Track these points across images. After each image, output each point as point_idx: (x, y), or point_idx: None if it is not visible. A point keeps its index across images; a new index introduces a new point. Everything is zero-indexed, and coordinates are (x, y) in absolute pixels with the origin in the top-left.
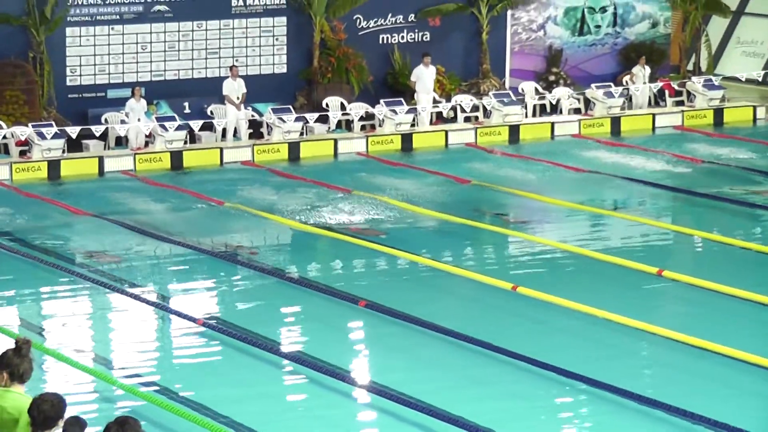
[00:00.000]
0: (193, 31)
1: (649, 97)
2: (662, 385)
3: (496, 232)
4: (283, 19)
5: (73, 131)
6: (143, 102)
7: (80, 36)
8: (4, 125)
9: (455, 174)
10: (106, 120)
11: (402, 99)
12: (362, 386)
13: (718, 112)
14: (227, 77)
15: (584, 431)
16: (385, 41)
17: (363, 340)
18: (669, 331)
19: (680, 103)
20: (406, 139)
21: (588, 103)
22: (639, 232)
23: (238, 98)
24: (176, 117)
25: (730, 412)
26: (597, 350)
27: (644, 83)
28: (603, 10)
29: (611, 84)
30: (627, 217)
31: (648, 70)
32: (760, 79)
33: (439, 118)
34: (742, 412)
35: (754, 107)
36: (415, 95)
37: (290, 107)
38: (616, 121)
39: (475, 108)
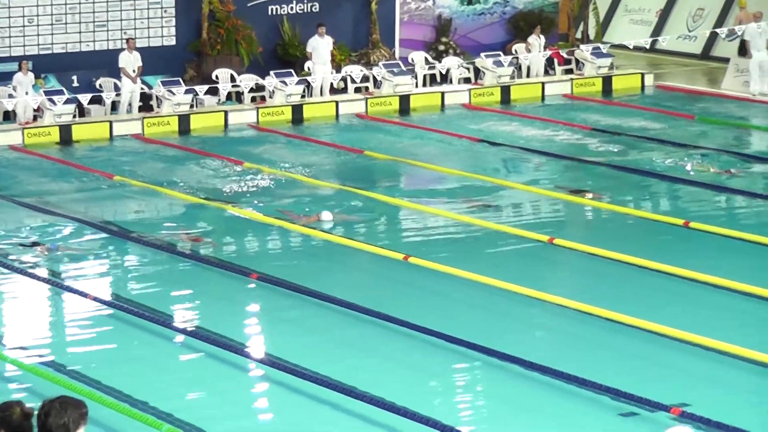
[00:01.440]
0: (80, 3)
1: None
2: (557, 352)
3: (389, 203)
4: None
5: None
6: (31, 76)
7: None
8: None
9: (347, 144)
10: None
11: (292, 70)
12: (257, 359)
13: (607, 80)
14: (119, 50)
15: (479, 399)
16: (274, 12)
17: (256, 313)
18: (562, 299)
19: (569, 72)
20: (297, 110)
21: (478, 72)
22: (530, 201)
23: (134, 71)
24: (65, 91)
25: (622, 379)
26: (491, 319)
27: (540, 52)
28: None
29: (501, 53)
30: (518, 186)
31: (543, 39)
32: (647, 47)
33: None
34: (630, 377)
35: (642, 75)
36: (311, 66)
37: (180, 80)
38: (506, 90)
39: (365, 78)
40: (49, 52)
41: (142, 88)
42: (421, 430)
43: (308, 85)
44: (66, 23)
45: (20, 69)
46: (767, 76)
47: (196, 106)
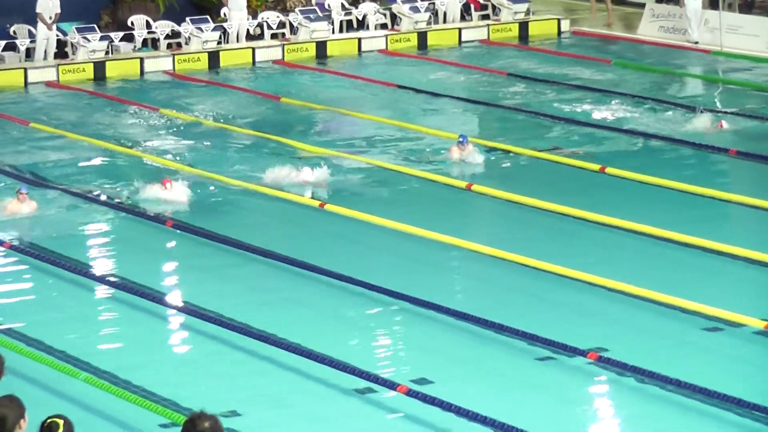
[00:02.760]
0: None
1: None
2: (473, 298)
3: (305, 150)
4: None
5: None
6: None
7: None
8: None
9: (264, 91)
10: None
11: (208, 17)
12: (172, 306)
13: (523, 26)
14: None
15: (396, 344)
16: None
17: (171, 261)
18: (479, 245)
19: (486, 17)
20: (213, 57)
21: (394, 18)
22: (448, 147)
23: (50, 18)
24: None
25: (540, 325)
26: (407, 265)
27: None
28: None
29: None
30: (435, 132)
31: None
32: None
33: (245, 35)
34: (548, 322)
35: (559, 20)
36: (227, 12)
37: (95, 26)
38: (422, 36)
39: (281, 25)
40: None
41: (57, 35)
42: (338, 376)
43: (224, 32)
44: None
45: None
46: (699, 23)
47: (112, 53)
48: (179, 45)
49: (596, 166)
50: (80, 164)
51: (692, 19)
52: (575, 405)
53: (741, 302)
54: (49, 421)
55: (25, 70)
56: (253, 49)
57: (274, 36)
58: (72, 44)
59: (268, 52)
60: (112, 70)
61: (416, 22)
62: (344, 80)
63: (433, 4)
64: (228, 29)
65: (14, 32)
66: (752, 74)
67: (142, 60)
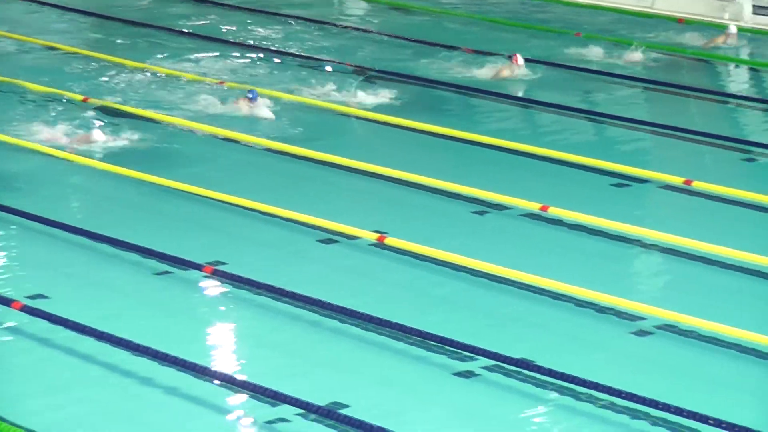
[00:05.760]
0: None
1: None
2: (89, 214)
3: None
4: None
5: None
6: None
7: None
8: None
9: None
10: None
11: None
12: None
13: None
14: None
15: (13, 259)
16: None
17: None
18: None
19: None
20: None
21: None
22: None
23: None
24: None
25: (154, 238)
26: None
27: None
28: None
29: None
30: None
31: None
32: None
33: None
34: (164, 236)
35: None
36: None
37: None
38: None
39: None
40: None
41: None
42: None
43: None
44: None
45: None
46: None
47: None
48: None
49: None
50: None
51: None
52: (189, 318)
53: (356, 216)
54: None
55: None
56: None
57: None
58: None
59: None
60: None
61: None
62: None
63: None
64: None
65: None
66: None
67: None
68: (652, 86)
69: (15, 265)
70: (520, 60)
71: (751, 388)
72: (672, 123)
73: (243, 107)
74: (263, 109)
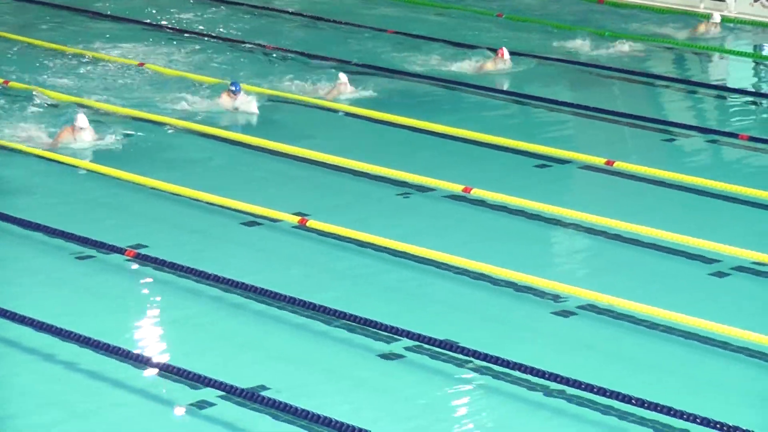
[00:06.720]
0: None
1: None
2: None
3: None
4: None
5: None
6: None
7: None
8: None
9: None
10: None
11: None
12: None
13: None
14: None
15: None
16: None
17: None
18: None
19: None
20: None
21: None
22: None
23: None
24: None
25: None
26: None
27: None
28: None
29: None
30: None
31: None
32: None
33: None
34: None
35: None
36: None
37: None
38: None
39: None
40: None
41: None
42: None
43: None
44: None
45: None
46: None
47: None
48: None
49: None
50: None
51: None
52: (113, 301)
53: (276, 199)
54: None
55: None
56: None
57: None
58: None
59: None
60: None
61: None
62: None
63: None
64: None
65: None
66: None
67: None
68: (582, 68)
69: None
70: (506, 54)
71: (668, 366)
72: (594, 104)
73: (225, 102)
74: (250, 104)
